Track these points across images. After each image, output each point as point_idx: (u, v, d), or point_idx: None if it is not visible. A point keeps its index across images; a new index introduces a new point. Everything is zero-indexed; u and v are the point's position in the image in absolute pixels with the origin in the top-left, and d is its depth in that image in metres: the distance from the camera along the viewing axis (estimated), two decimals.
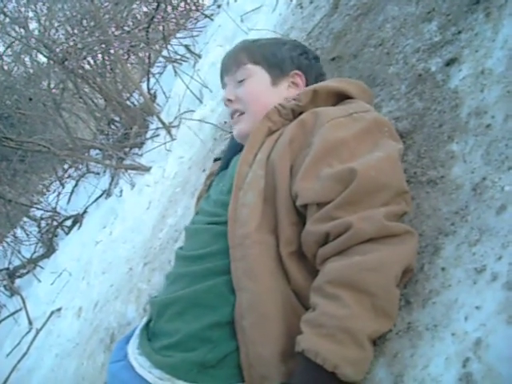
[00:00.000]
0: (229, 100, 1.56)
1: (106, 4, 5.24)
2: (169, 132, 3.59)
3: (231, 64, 1.59)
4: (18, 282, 5.53)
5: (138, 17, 5.58)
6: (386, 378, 1.08)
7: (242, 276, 1.22)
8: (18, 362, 3.73)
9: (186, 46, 4.56)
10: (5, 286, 5.52)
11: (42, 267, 5.23)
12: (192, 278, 1.32)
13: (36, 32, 5.42)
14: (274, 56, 1.56)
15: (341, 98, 1.44)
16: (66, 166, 6.74)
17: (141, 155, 4.18)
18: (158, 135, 4.01)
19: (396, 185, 1.18)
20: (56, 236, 5.51)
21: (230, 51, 1.64)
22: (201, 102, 3.45)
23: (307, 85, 1.54)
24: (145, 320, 1.48)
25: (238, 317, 1.21)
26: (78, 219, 5.04)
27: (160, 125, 3.81)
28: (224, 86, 1.63)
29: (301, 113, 1.39)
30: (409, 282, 1.16)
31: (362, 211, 1.12)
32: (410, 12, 1.69)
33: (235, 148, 1.59)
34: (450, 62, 1.43)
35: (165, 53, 4.83)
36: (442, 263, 1.12)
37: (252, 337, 1.18)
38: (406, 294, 1.15)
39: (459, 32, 1.46)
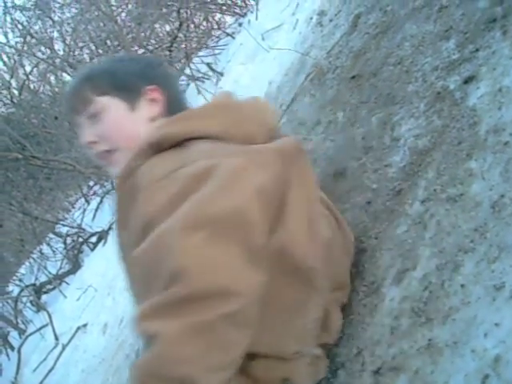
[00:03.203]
0: (91, 142, 1.39)
1: (130, 24, 5.33)
2: None
3: (77, 103, 1.41)
4: (44, 297, 5.60)
5: (161, 35, 5.67)
6: None
7: None
8: (45, 377, 3.76)
9: (208, 65, 4.62)
10: (31, 302, 5.59)
11: (67, 283, 5.29)
12: None
13: (61, 52, 5.53)
14: (120, 79, 1.41)
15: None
16: (91, 183, 6.82)
17: None
18: None
19: (167, 266, 1.05)
20: (81, 252, 5.57)
21: (72, 86, 1.46)
22: None
23: (168, 94, 1.42)
24: None
25: None
26: (102, 236, 5.09)
27: None
28: (76, 125, 1.46)
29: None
30: (429, 299, 1.17)
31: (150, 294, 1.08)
32: (428, 30, 1.70)
33: None
34: (467, 80, 1.45)
35: (187, 71, 4.89)
36: (462, 280, 1.13)
37: None
38: (427, 310, 1.16)
39: (477, 50, 1.47)
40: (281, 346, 1.20)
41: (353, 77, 1.98)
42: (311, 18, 2.77)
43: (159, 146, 1.27)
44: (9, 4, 6.03)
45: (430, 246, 1.25)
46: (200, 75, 4.72)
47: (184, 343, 1.00)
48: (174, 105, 1.41)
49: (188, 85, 5.11)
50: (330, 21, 2.49)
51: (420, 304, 1.18)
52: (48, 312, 4.55)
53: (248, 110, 1.38)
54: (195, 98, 4.35)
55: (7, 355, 5.43)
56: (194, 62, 4.96)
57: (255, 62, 3.53)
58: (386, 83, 1.77)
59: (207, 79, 4.59)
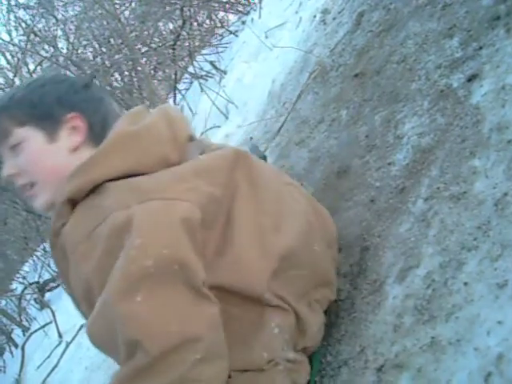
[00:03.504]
0: (12, 175, 1.32)
1: (133, 22, 5.34)
2: None
3: None
4: (48, 295, 5.60)
5: (164, 34, 5.67)
6: None
7: None
8: (49, 374, 3.77)
9: (212, 63, 4.62)
10: (35, 300, 5.60)
11: None
12: None
13: (65, 50, 5.54)
14: (39, 108, 1.31)
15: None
16: None
17: None
18: None
19: (120, 338, 1.08)
20: None
21: None
22: (226, 117, 3.49)
23: (90, 120, 1.33)
24: None
25: None
26: None
27: None
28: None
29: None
30: (432, 297, 1.17)
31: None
32: (432, 28, 1.70)
33: None
34: (471, 78, 1.45)
35: (191, 69, 4.89)
36: (465, 278, 1.13)
37: None
38: (430, 308, 1.16)
39: (480, 48, 1.47)
40: (253, 359, 1.20)
41: (356, 75, 1.98)
42: (314, 16, 2.77)
43: (74, 200, 1.24)
44: (12, 2, 6.04)
45: (433, 243, 1.25)
46: (203, 73, 4.72)
47: None
48: (98, 131, 1.32)
49: (191, 83, 5.12)
50: (334, 19, 2.49)
51: (423, 302, 1.19)
52: (52, 309, 4.55)
53: (157, 128, 1.30)
54: (198, 97, 4.36)
55: (11, 352, 5.45)
56: (197, 60, 4.96)
57: (258, 60, 3.53)
58: (389, 81, 1.77)
59: (210, 77, 4.59)
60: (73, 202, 1.25)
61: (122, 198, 1.16)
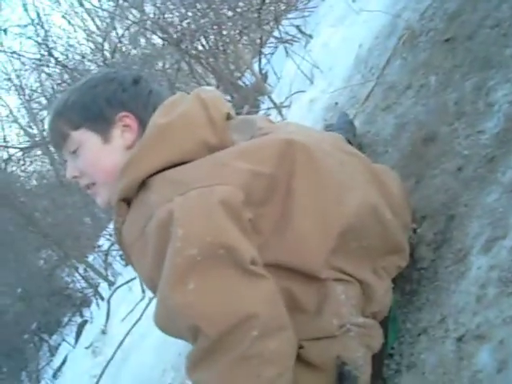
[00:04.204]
0: (75, 177, 1.39)
1: None
2: (280, 112, 3.64)
3: (56, 138, 1.40)
4: None
5: None
6: (490, 363, 1.09)
7: None
8: (132, 327, 3.94)
9: (298, 27, 4.58)
10: (121, 256, 5.84)
11: None
12: None
13: (152, 15, 5.63)
14: (91, 110, 1.35)
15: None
16: None
17: None
18: (269, 115, 4.07)
19: (183, 326, 1.14)
20: None
21: (49, 122, 1.43)
22: (311, 82, 3.47)
23: (140, 118, 1.35)
24: None
25: None
26: None
27: (271, 105, 3.86)
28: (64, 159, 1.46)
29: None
30: None
31: None
32: None
33: None
34: None
35: (276, 33, 4.87)
36: None
37: None
38: None
39: None
40: (323, 326, 1.22)
41: (447, 40, 1.93)
42: None
43: (127, 198, 1.29)
44: None
45: None
46: (289, 37, 4.69)
47: (233, 380, 1.08)
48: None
49: (277, 47, 5.11)
50: None
51: (508, 274, 1.16)
52: None
53: (191, 114, 1.30)
54: (283, 61, 4.36)
55: (98, 305, 5.74)
56: (282, 24, 4.93)
57: (345, 24, 3.47)
58: (481, 47, 1.72)
59: (296, 42, 4.56)
60: (127, 200, 1.29)
61: (164, 193, 1.19)
